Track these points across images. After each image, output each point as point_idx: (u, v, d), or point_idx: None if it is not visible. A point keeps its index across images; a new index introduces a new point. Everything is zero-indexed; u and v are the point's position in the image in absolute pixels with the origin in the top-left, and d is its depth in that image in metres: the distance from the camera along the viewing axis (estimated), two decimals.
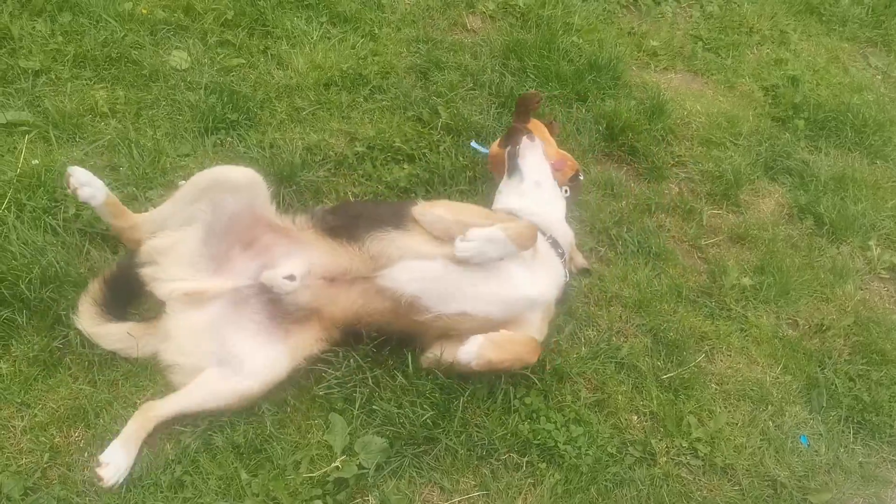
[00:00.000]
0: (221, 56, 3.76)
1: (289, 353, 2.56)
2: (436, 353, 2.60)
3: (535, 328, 2.68)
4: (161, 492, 2.34)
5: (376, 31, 4.05)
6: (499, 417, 2.64)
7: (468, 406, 2.62)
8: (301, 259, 2.61)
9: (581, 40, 4.18)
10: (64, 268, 2.75)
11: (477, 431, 2.59)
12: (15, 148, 3.18)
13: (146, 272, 2.66)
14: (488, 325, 2.56)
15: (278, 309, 2.61)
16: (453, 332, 2.59)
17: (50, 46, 3.60)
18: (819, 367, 3.10)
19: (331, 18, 4.08)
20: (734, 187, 3.64)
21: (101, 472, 2.30)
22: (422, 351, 2.66)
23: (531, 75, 3.94)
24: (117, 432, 2.40)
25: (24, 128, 3.25)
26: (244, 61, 3.77)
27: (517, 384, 2.74)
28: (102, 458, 2.33)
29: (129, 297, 2.71)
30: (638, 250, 3.31)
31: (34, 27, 3.69)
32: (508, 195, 3.01)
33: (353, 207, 3.05)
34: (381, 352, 2.70)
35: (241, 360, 2.51)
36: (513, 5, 4.36)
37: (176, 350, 2.56)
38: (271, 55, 3.83)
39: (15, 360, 2.60)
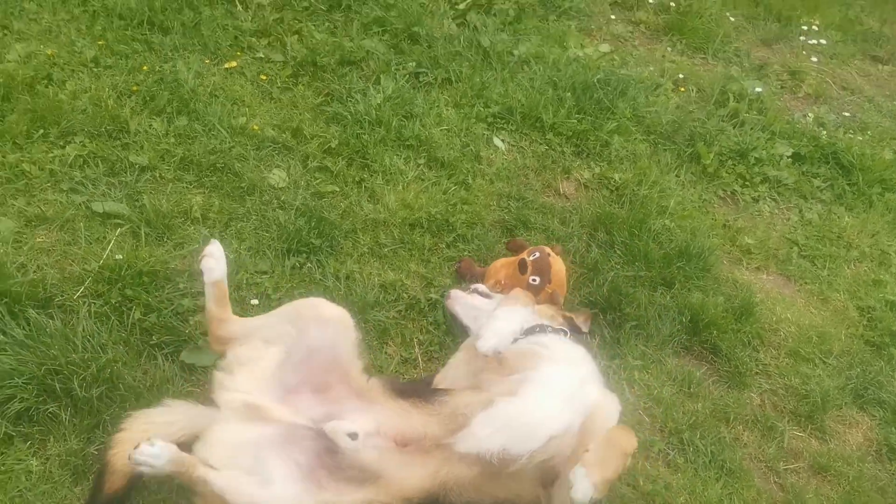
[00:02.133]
0: (318, 181, 3.83)
1: None
2: None
3: (605, 409, 2.49)
4: None
5: (470, 181, 4.08)
6: None
7: None
8: (369, 417, 2.44)
9: (673, 224, 4.11)
10: (120, 369, 2.70)
11: None
12: (104, 238, 3.24)
13: (218, 376, 2.55)
14: (571, 437, 2.37)
15: (332, 461, 2.41)
16: (546, 465, 2.37)
17: (161, 146, 3.74)
18: None
19: (428, 161, 4.14)
20: (820, 411, 3.38)
21: (143, 445, 2.18)
22: None
23: (618, 251, 3.86)
24: None
25: (118, 220, 3.33)
26: (338, 189, 3.82)
27: None
28: (154, 439, 2.21)
29: None
30: (710, 462, 3.06)
31: (151, 125, 3.86)
32: None
33: (422, 380, 3.02)
34: None
35: (271, 479, 2.30)
36: (608, 178, 4.35)
37: (209, 454, 2.37)
38: (365, 187, 3.88)
39: (48, 459, 2.51)
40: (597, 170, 4.41)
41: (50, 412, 2.56)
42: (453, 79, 4.74)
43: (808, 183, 4.83)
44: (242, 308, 3.10)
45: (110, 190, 3.46)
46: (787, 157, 4.91)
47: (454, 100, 4.60)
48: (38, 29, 4.35)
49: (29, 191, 3.38)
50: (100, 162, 3.58)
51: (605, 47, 5.68)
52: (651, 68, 5.54)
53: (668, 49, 6.02)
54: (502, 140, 4.45)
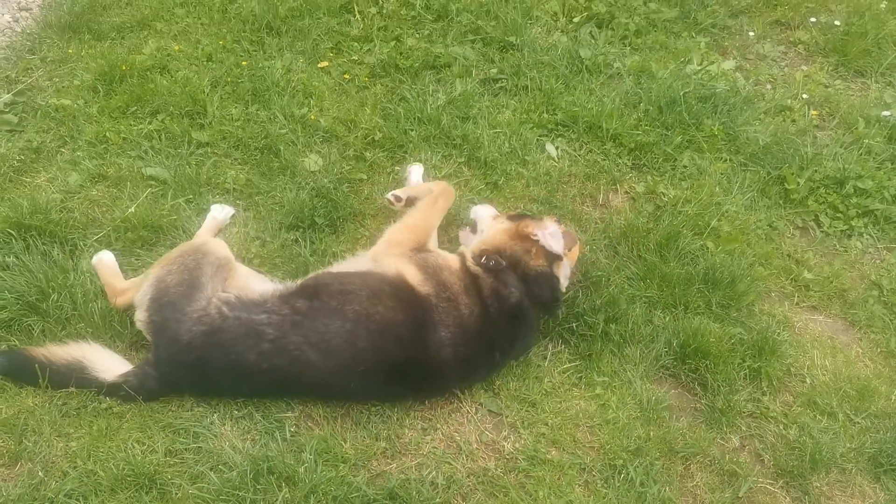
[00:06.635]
0: (349, 168, 4.05)
1: None
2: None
3: None
4: None
5: (501, 183, 4.04)
6: None
7: None
8: None
9: (716, 247, 3.70)
10: (90, 300, 3.14)
11: None
12: (135, 196, 3.74)
13: None
14: None
15: None
16: None
17: (224, 127, 4.21)
18: None
19: (469, 160, 4.18)
20: (808, 468, 2.85)
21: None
22: None
23: (633, 265, 3.58)
24: None
25: (156, 183, 3.83)
26: (365, 177, 4.01)
27: None
28: None
29: None
30: (637, 494, 2.74)
31: (230, 111, 4.35)
32: None
33: None
34: None
35: None
36: (659, 193, 4.04)
37: None
38: (393, 178, 4.03)
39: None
40: (652, 184, 4.11)
41: (27, 324, 3.05)
42: (530, 87, 4.70)
43: None
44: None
45: (167, 160, 3.98)
46: None
47: (522, 106, 4.57)
48: (177, 29, 5.08)
49: (105, 154, 4.02)
50: (167, 136, 4.12)
51: (728, 64, 5.24)
52: (771, 89, 5.00)
53: (819, 70, 5.37)
54: (556, 147, 4.34)
